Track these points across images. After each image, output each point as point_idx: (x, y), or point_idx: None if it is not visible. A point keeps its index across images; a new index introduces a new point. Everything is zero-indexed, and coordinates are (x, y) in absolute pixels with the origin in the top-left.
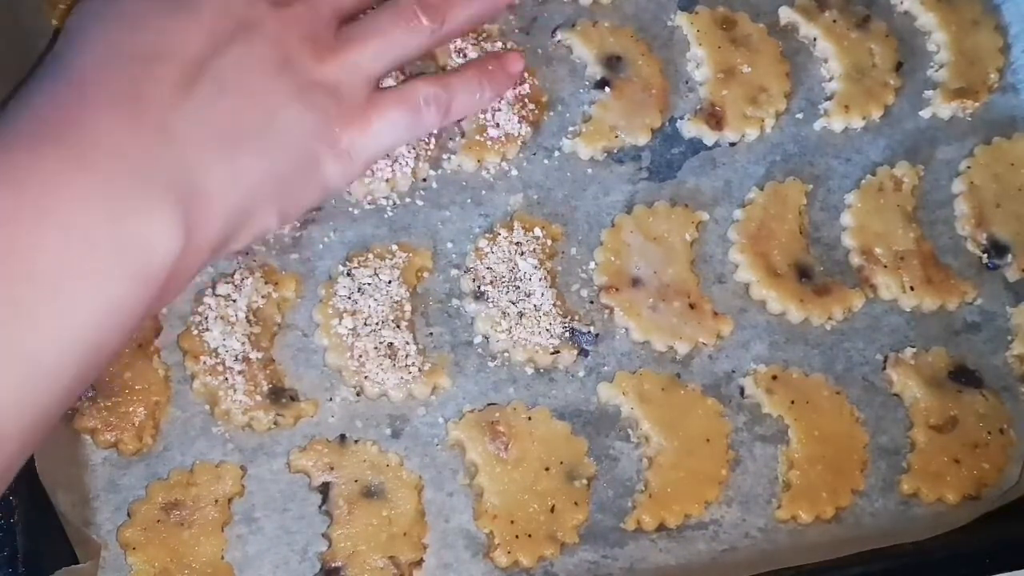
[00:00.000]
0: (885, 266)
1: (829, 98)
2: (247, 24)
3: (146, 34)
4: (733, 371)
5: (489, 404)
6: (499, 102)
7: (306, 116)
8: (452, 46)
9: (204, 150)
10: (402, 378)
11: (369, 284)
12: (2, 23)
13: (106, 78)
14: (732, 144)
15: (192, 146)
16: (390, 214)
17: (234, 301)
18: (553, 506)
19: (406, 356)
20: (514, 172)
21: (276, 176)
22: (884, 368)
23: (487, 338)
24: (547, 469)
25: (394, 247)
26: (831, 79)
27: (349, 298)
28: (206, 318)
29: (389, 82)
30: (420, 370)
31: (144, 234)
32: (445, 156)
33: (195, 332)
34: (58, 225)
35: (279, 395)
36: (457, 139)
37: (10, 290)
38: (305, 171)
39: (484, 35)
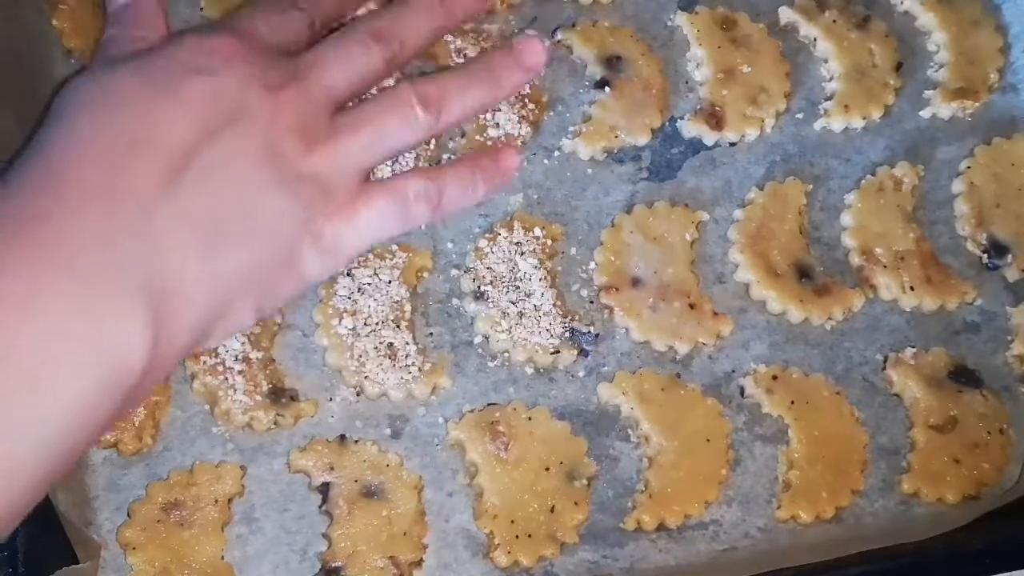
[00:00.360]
0: (885, 266)
1: (829, 98)
2: (239, 111)
3: (131, 118)
4: (733, 371)
5: (489, 404)
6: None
7: (290, 209)
8: (452, 46)
9: (182, 247)
10: (402, 378)
11: (369, 284)
12: (4, 24)
13: (86, 166)
14: (732, 144)
15: (170, 243)
16: None
17: None
18: (553, 506)
19: (406, 356)
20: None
21: (255, 273)
22: (884, 368)
23: (487, 338)
24: (547, 469)
25: (394, 247)
26: (831, 79)
27: (349, 298)
28: None
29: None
30: (420, 370)
31: (117, 334)
32: (445, 156)
33: None
34: (36, 319)
35: (279, 395)
36: (457, 139)
37: None
38: (285, 266)
39: (484, 35)
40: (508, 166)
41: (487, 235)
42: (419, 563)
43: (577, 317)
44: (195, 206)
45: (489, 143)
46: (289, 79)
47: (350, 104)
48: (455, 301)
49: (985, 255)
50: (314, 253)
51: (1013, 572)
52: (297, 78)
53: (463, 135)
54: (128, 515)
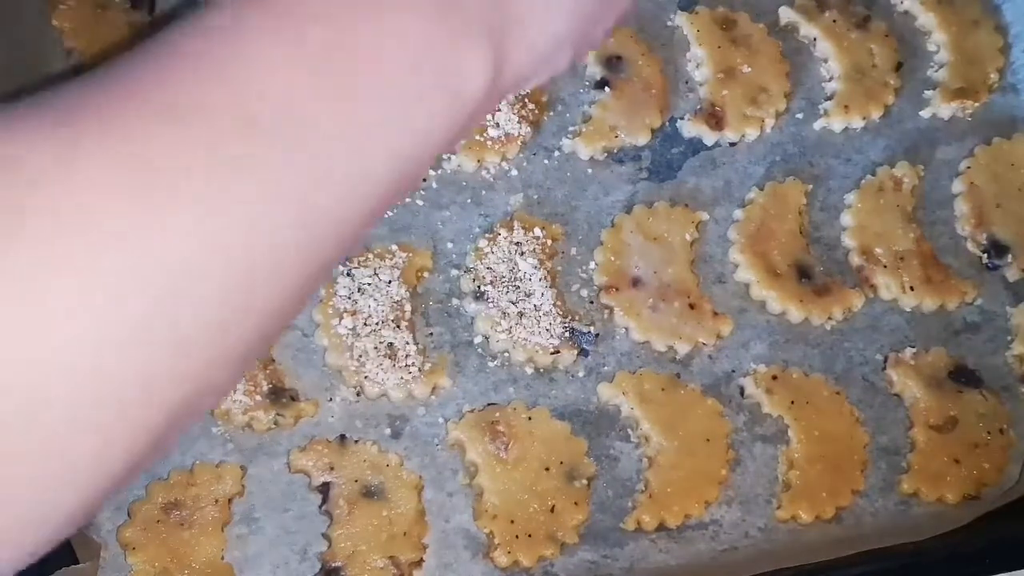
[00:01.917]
0: (885, 266)
1: (829, 98)
2: None
3: None
4: (733, 371)
5: (489, 404)
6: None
7: None
8: None
9: None
10: (402, 378)
11: (369, 284)
12: (4, 24)
13: None
14: (732, 144)
15: None
16: (390, 214)
17: None
18: (553, 506)
19: (406, 356)
20: (514, 172)
21: (582, 8)
22: (884, 368)
23: (487, 338)
24: (547, 469)
25: (394, 247)
26: (831, 79)
27: (349, 298)
28: None
29: None
30: (420, 370)
31: (459, 61)
32: (445, 156)
33: None
34: (392, 30)
35: (279, 395)
36: None
37: (346, 81)
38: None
39: None
40: None
41: (487, 235)
42: (419, 563)
43: (577, 317)
44: None
45: (489, 143)
46: None
47: None
48: (455, 301)
49: (985, 255)
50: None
51: (1013, 572)
52: None
53: None
54: (128, 515)
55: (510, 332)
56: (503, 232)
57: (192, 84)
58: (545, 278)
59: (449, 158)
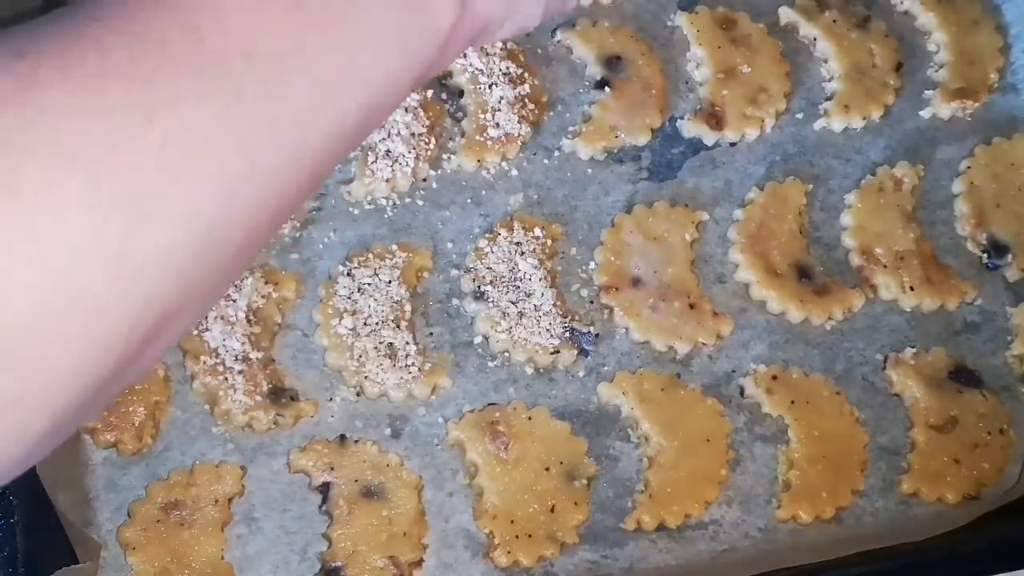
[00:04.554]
0: (885, 266)
1: (829, 98)
2: None
3: None
4: (733, 371)
5: (489, 404)
6: (499, 102)
7: None
8: None
9: None
10: (402, 378)
11: (369, 284)
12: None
13: None
14: (732, 144)
15: None
16: (390, 214)
17: (234, 301)
18: (553, 506)
19: (406, 356)
20: (514, 172)
21: None
22: (884, 368)
23: (487, 338)
24: (547, 469)
25: (394, 247)
26: (831, 79)
27: (349, 298)
28: (206, 318)
29: None
30: (420, 370)
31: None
32: (445, 156)
33: (195, 332)
34: None
35: (279, 395)
36: (457, 139)
37: (315, 17)
38: None
39: None
40: None
41: (487, 235)
42: (419, 563)
43: (577, 317)
44: None
45: (489, 143)
46: None
47: None
48: (455, 301)
49: (985, 255)
50: None
51: (1013, 572)
52: None
53: (463, 135)
54: (128, 515)
55: (510, 332)
56: (503, 232)
57: (150, 16)
58: (545, 278)
59: (449, 158)
